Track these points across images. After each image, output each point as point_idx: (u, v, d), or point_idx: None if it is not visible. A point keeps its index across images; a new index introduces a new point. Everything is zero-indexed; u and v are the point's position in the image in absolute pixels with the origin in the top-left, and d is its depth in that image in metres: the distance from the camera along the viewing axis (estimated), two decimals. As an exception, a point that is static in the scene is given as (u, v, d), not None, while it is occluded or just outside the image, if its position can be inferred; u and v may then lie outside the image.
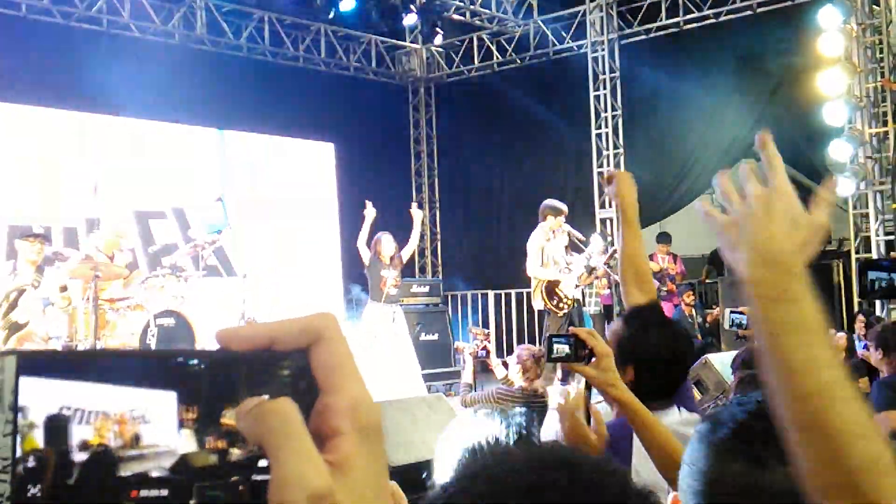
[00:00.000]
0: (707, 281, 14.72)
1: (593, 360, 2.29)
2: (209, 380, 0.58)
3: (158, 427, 0.56)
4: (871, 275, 3.51)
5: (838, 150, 10.74)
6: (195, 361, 0.58)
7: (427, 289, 11.86)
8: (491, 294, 13.30)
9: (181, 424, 0.56)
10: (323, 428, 0.59)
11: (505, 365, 6.07)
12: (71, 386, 0.54)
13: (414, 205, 10.33)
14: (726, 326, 3.73)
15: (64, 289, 7.82)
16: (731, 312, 3.57)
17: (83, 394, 0.54)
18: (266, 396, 0.58)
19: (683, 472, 1.31)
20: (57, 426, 0.53)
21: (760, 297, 1.13)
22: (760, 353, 1.13)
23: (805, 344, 1.09)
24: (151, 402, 0.56)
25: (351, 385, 0.60)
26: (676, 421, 2.55)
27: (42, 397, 0.53)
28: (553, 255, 9.42)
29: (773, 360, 1.10)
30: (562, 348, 2.35)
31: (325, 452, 0.59)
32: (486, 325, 12.96)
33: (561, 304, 9.30)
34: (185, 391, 0.57)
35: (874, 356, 5.64)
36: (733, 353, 7.77)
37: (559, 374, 9.99)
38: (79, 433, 0.54)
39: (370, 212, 9.88)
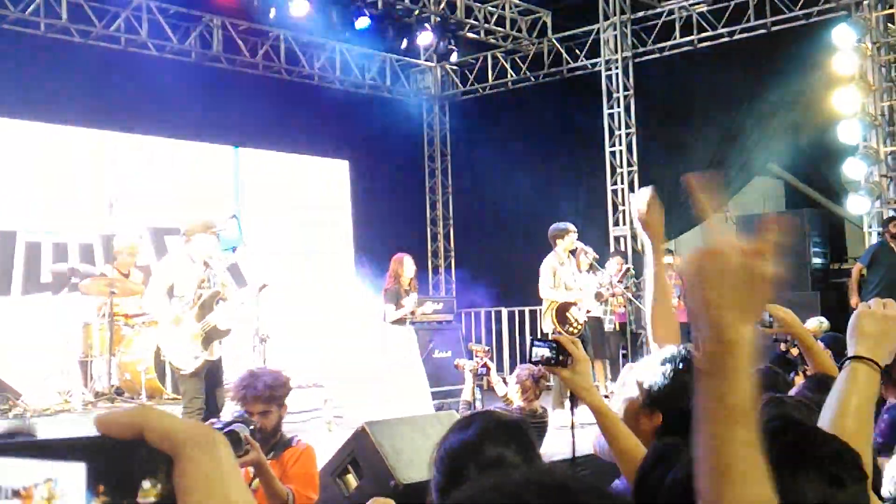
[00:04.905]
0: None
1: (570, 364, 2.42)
2: (122, 450, 0.53)
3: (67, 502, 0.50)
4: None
5: (853, 169, 10.71)
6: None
7: (440, 306, 11.83)
8: (504, 311, 13.28)
9: (92, 498, 0.51)
10: None
11: (505, 382, 6.04)
12: None
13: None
14: None
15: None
16: None
17: None
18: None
19: None
20: None
21: (699, 369, 1.09)
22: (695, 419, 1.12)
23: (722, 420, 1.07)
24: (59, 474, 0.50)
25: None
26: None
27: None
28: (565, 280, 9.19)
29: (698, 429, 1.10)
30: (541, 351, 2.45)
31: None
32: (499, 342, 12.95)
33: (570, 329, 8.97)
34: (94, 463, 0.51)
35: None
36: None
37: (568, 394, 9.93)
38: None
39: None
